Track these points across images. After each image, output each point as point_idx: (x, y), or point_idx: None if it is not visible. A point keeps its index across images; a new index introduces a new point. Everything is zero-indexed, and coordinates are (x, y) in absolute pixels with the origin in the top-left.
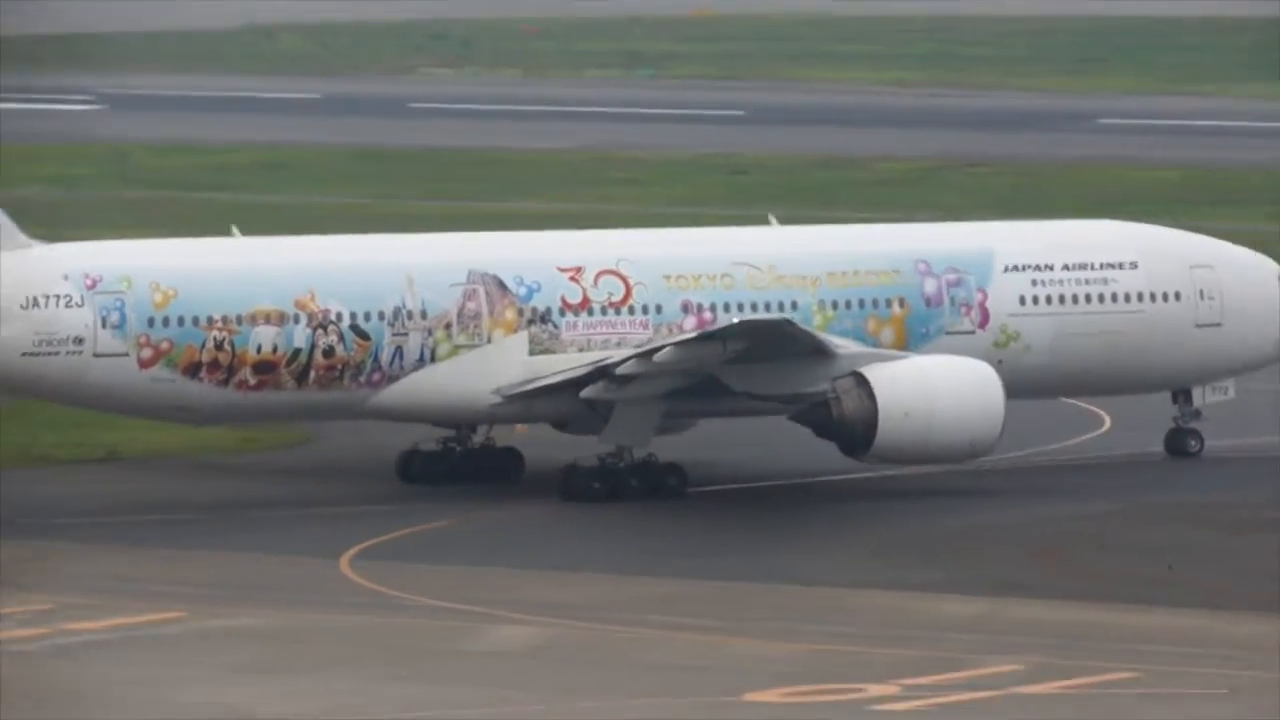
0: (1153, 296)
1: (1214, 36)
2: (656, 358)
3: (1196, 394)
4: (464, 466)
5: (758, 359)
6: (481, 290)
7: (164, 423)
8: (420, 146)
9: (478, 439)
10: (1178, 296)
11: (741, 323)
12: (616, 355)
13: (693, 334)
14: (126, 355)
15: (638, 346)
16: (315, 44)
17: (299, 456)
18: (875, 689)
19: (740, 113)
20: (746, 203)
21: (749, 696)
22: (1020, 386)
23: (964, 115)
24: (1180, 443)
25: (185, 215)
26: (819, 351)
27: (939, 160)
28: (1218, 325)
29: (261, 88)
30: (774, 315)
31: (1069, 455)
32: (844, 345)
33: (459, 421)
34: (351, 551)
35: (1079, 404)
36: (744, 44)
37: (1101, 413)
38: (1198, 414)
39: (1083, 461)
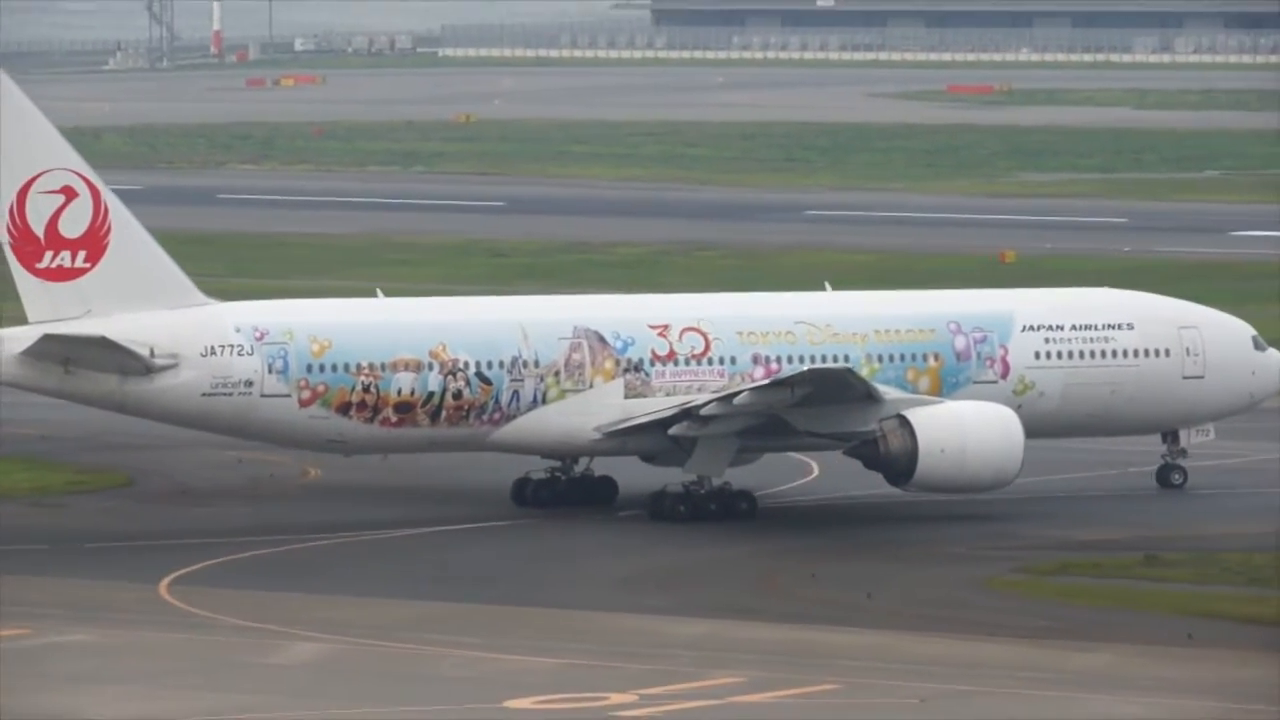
0: (1146, 353)
1: (898, 141)
2: (735, 400)
3: (1183, 435)
4: (569, 492)
5: (818, 402)
6: (585, 343)
7: (319, 452)
8: (228, 231)
9: (579, 469)
10: (1168, 353)
11: (810, 370)
12: (699, 399)
13: (766, 381)
14: (289, 396)
15: (717, 392)
16: (136, 143)
17: (122, 495)
18: (616, 698)
19: (499, 204)
20: (505, 281)
21: (508, 704)
22: (1035, 428)
23: (688, 206)
24: (1167, 476)
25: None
26: (869, 397)
27: (668, 245)
28: (1201, 378)
29: None
30: (839, 365)
31: (788, 498)
32: (889, 391)
33: (565, 454)
34: (169, 578)
35: (791, 456)
36: (502, 145)
37: (811, 462)
38: (1184, 452)
39: (801, 503)
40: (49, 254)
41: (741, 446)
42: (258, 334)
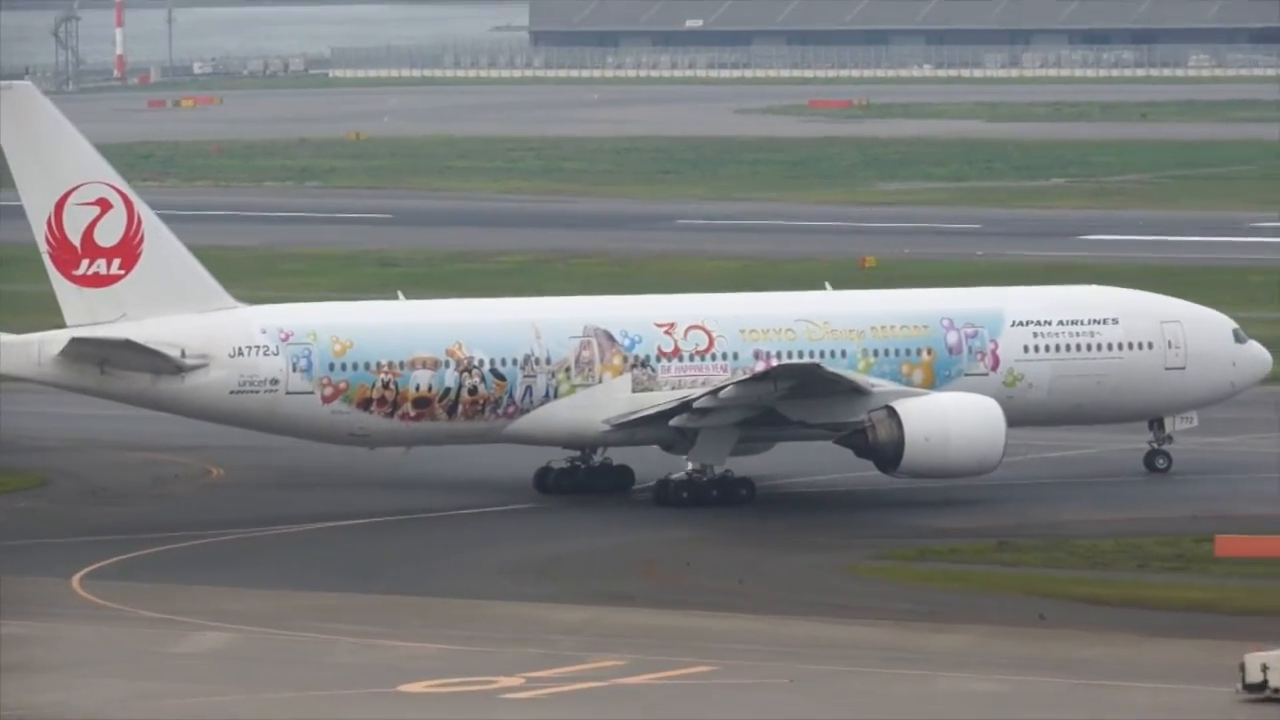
0: (1130, 346)
1: (764, 153)
2: (722, 394)
3: (1168, 422)
4: (589, 480)
5: (805, 396)
6: (594, 341)
7: (343, 445)
8: None
9: (597, 458)
10: (1150, 346)
11: (780, 366)
12: (697, 392)
13: (747, 376)
14: (312, 393)
15: (715, 386)
16: None
17: (36, 495)
18: (504, 680)
19: (388, 216)
20: (395, 289)
21: (401, 688)
22: (1025, 418)
23: (566, 217)
24: (1152, 461)
25: None
26: (855, 389)
27: (548, 253)
28: (1183, 369)
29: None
30: (807, 361)
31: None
32: (878, 383)
33: (576, 445)
34: (81, 573)
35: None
36: (390, 160)
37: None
38: (1169, 439)
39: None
40: (85, 262)
41: (745, 437)
42: (283, 335)
